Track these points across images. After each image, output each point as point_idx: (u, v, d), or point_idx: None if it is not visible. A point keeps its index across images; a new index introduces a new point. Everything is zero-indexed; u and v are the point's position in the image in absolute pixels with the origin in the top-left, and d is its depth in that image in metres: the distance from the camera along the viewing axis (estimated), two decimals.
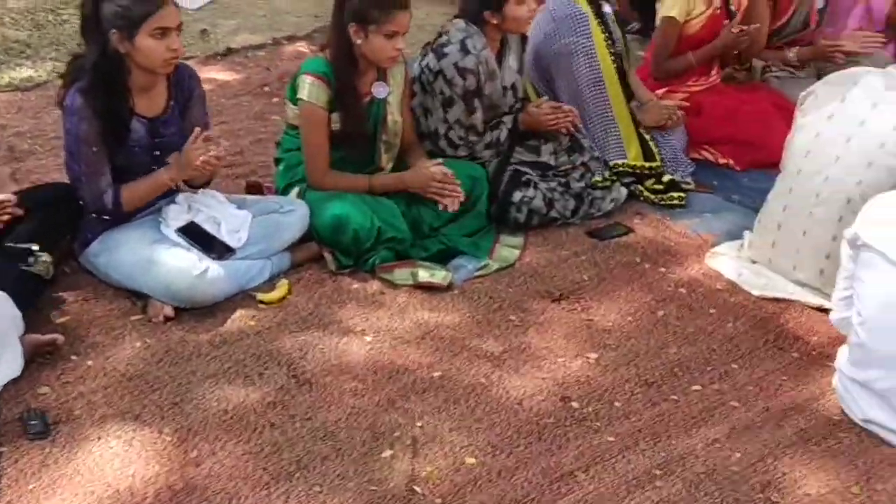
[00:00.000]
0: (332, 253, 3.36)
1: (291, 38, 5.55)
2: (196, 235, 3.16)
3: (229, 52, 5.27)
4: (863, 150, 3.22)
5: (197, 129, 3.08)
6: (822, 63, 4.66)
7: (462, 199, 3.50)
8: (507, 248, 3.60)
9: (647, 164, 4.05)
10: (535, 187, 3.72)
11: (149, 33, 2.93)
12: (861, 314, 2.73)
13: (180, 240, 3.13)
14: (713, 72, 4.60)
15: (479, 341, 3.09)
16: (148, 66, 3.02)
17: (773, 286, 3.43)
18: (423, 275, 3.33)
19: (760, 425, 2.82)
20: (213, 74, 4.91)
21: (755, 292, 3.42)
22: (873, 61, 4.55)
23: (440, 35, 3.71)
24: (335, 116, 3.38)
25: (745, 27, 4.38)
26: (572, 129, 3.87)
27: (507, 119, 3.82)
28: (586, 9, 4.02)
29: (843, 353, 2.88)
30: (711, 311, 3.33)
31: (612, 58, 4.06)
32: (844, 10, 4.89)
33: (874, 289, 2.69)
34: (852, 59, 4.53)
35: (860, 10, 4.93)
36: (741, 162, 4.35)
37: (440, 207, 3.48)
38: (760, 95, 4.57)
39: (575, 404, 2.83)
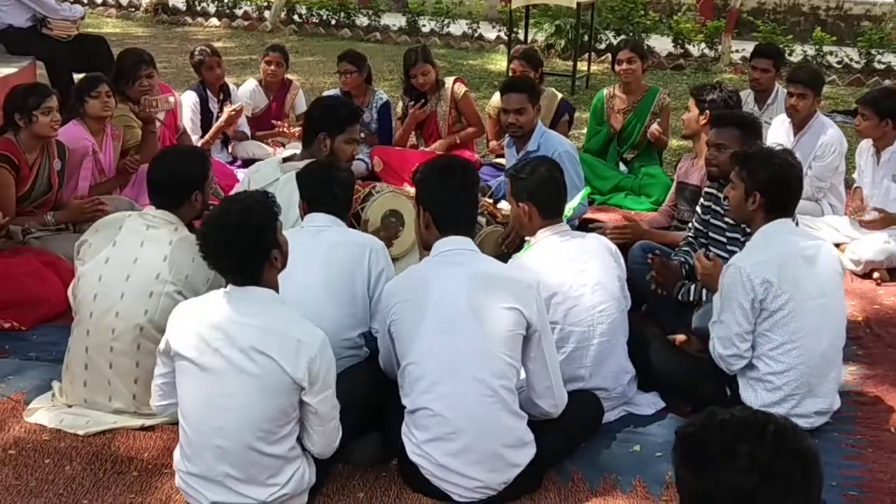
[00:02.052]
0: None
1: None
2: None
3: None
4: (142, 284, 3.68)
5: None
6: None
7: None
8: None
9: None
10: None
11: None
12: (184, 414, 3.15)
13: None
14: None
15: None
16: None
17: (96, 422, 3.70)
18: None
19: None
20: None
21: (81, 432, 3.65)
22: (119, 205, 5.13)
23: None
24: None
25: None
26: None
27: None
28: None
29: (177, 454, 3.26)
30: (47, 461, 3.49)
31: None
32: (76, 166, 5.34)
33: (190, 388, 3.11)
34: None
35: (89, 162, 5.44)
36: (26, 321, 4.53)
37: None
38: (27, 257, 4.76)
39: None
